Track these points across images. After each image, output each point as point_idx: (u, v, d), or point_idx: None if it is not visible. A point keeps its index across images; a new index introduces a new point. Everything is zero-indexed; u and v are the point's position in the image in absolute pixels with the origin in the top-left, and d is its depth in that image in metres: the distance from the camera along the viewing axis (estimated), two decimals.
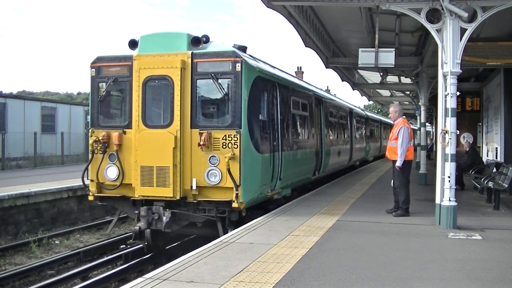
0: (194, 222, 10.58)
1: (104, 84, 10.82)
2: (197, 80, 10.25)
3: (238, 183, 9.74)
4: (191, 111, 10.19)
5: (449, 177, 9.46)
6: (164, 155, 10.00)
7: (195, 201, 10.17)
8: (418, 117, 27.36)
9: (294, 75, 17.64)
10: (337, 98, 24.65)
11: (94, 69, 10.90)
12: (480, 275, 6.47)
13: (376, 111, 65.23)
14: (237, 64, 9.99)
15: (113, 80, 10.69)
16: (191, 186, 10.06)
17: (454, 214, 9.49)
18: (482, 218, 10.71)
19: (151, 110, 10.66)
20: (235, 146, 9.87)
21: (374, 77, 26.41)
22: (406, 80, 24.21)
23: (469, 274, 6.53)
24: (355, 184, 17.97)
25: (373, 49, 11.32)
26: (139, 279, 6.22)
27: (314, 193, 15.09)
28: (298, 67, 42.51)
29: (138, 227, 10.31)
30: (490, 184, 12.91)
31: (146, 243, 10.76)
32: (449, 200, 9.48)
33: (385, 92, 34.59)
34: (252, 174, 10.35)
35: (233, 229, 9.67)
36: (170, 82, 10.21)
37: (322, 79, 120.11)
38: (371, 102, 52.23)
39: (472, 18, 9.68)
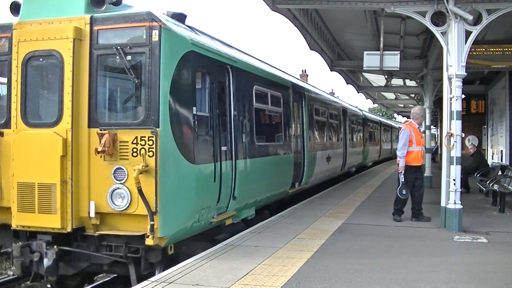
0: (100, 263, 7.57)
1: None
2: (98, 57, 7.34)
3: (154, 209, 6.87)
4: (89, 103, 7.29)
5: (454, 180, 9.44)
6: (49, 167, 7.12)
7: (97, 235, 7.29)
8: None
9: (274, 66, 13.66)
10: (327, 94, 21.12)
11: None
12: (486, 278, 6.46)
13: (381, 114, 65.13)
14: (153, 32, 7.10)
15: None
16: (89, 213, 7.18)
17: (460, 217, 9.48)
18: (488, 221, 10.68)
19: (35, 102, 7.67)
20: (150, 154, 6.93)
21: (379, 80, 26.39)
22: (411, 83, 24.17)
23: (474, 277, 6.51)
24: (360, 187, 17.95)
25: (378, 52, 11.32)
26: (145, 282, 6.25)
27: (319, 196, 15.08)
28: (303, 70, 42.58)
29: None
30: (496, 187, 12.88)
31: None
32: (455, 203, 9.47)
33: (390, 95, 34.57)
34: (179, 195, 7.37)
35: (160, 271, 7.18)
36: (59, 60, 7.28)
37: (327, 82, 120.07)
38: (376, 105, 52.11)
39: (477, 21, 9.68)
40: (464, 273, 6.68)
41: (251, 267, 6.83)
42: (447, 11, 9.40)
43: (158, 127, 7.00)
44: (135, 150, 7.03)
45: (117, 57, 7.17)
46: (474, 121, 24.19)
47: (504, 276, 6.59)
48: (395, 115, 65.06)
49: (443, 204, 9.78)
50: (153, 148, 6.95)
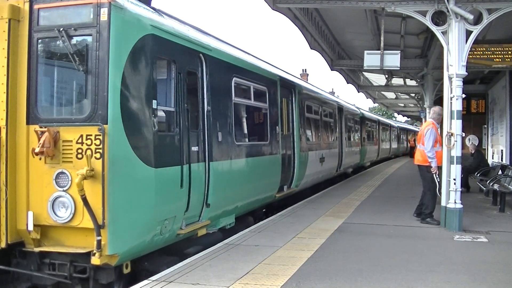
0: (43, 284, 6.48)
1: None
2: (39, 41, 6.34)
3: (101, 222, 5.87)
4: (28, 95, 6.32)
5: (454, 179, 9.44)
6: None
7: (38, 251, 6.26)
8: (423, 119, 27.33)
9: (259, 57, 12.28)
10: (321, 90, 19.56)
11: None
12: (486, 278, 6.46)
13: (381, 114, 65.17)
14: (101, 11, 6.06)
15: None
16: (27, 225, 6.17)
17: (460, 216, 9.47)
18: (488, 221, 10.68)
19: None
20: (97, 156, 5.93)
21: (379, 79, 26.44)
22: (411, 82, 24.23)
23: (474, 276, 6.51)
24: (360, 186, 17.94)
25: (379, 51, 11.32)
26: (145, 281, 6.24)
27: (320, 195, 15.07)
28: (303, 70, 42.65)
29: None
30: (496, 186, 12.88)
31: None
32: (455, 202, 9.46)
33: (390, 95, 34.62)
34: (133, 204, 6.34)
35: None
36: None
37: (327, 81, 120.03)
38: (376, 105, 52.13)
39: (477, 20, 9.68)
40: (464, 273, 6.68)
41: (251, 266, 6.82)
42: (448, 11, 9.40)
43: (107, 124, 5.96)
44: (80, 151, 6.01)
45: (60, 40, 6.13)
46: (474, 120, 24.21)
47: (504, 275, 6.59)
48: (395, 114, 65.11)
49: (443, 203, 9.78)
50: (100, 148, 5.91)
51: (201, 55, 8.15)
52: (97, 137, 5.95)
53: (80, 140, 6.03)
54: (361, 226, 10.01)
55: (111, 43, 6.06)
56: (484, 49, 13.17)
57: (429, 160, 10.01)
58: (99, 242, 5.86)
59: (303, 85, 15.76)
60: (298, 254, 7.52)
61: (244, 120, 10.48)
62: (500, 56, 13.07)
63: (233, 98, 9.42)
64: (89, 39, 6.14)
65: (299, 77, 17.63)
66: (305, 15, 13.80)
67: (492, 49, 13.12)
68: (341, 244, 8.33)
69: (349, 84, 26.27)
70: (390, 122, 44.81)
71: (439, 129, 10.43)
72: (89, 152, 5.95)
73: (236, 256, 7.45)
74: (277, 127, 11.83)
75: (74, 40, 6.21)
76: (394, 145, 45.88)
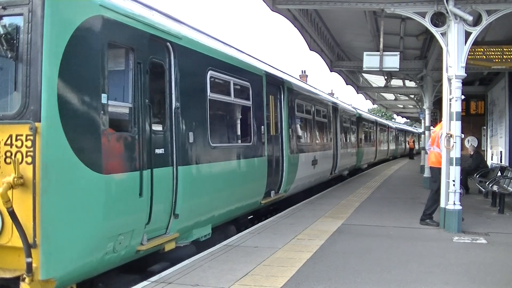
0: None
1: None
2: None
3: (31, 240, 4.92)
4: None
5: (453, 181, 9.45)
6: None
7: None
8: (422, 121, 27.32)
9: (236, 48, 10.93)
10: (314, 88, 18.50)
11: None
12: (485, 279, 6.46)
13: (380, 115, 65.11)
14: None
15: None
16: None
17: (459, 218, 9.48)
18: (487, 222, 10.68)
19: None
20: (28, 160, 4.98)
21: (378, 81, 26.45)
22: (410, 83, 24.25)
23: (474, 278, 6.51)
24: (359, 187, 17.94)
25: (378, 52, 11.33)
26: (145, 282, 6.23)
27: (319, 197, 15.07)
28: (302, 71, 42.62)
29: None
30: (495, 188, 12.87)
31: None
32: (454, 204, 9.47)
33: (390, 96, 34.64)
34: (75, 218, 5.35)
35: None
36: None
37: (326, 82, 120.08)
38: (375, 106, 52.16)
39: (477, 22, 9.69)
40: (463, 274, 6.68)
41: (251, 268, 6.82)
42: (447, 12, 9.41)
43: (40, 121, 4.95)
44: (8, 154, 5.04)
45: None
46: (473, 122, 24.23)
47: (503, 276, 6.59)
48: (395, 115, 65.13)
49: (442, 205, 9.77)
50: (31, 151, 4.93)
51: (168, 44, 7.13)
52: (28, 137, 4.96)
53: (8, 142, 5.05)
54: (360, 227, 10.01)
55: (45, 24, 5.04)
56: (483, 50, 13.19)
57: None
58: (29, 264, 4.87)
59: (294, 82, 14.57)
60: (297, 256, 7.51)
61: (222, 119, 9.66)
62: (499, 57, 13.08)
63: (208, 94, 8.31)
64: (19, 19, 5.13)
65: (294, 76, 16.75)
66: (305, 16, 13.80)
67: (491, 50, 13.14)
68: (340, 245, 8.33)
69: (349, 85, 26.29)
70: (388, 123, 44.46)
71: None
72: (19, 155, 4.97)
73: (235, 257, 7.45)
74: (262, 127, 10.86)
75: (3, 21, 5.24)
76: (392, 146, 45.45)
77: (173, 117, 7.20)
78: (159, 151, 6.85)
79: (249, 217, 11.57)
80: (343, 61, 20.23)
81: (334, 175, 19.52)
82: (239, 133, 10.22)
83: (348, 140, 22.85)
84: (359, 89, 28.36)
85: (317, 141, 16.49)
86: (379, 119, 38.90)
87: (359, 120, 26.54)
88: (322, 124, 17.71)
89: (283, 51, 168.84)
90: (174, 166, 7.16)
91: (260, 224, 10.30)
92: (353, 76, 25.58)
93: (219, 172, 8.77)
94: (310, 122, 15.82)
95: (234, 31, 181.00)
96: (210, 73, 8.49)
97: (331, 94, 35.80)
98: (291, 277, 6.39)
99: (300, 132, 14.54)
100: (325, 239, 8.74)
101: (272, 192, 11.74)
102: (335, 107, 20.19)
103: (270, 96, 11.81)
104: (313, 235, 9.09)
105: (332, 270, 6.80)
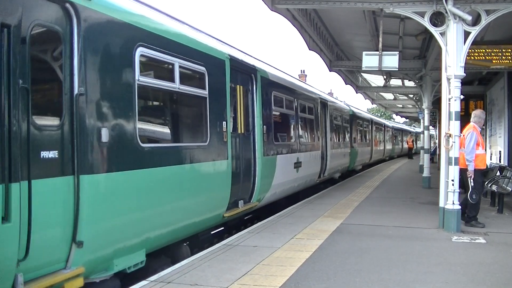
0: None
1: None
2: None
3: None
4: None
5: (452, 180, 9.45)
6: None
7: None
8: (421, 120, 27.35)
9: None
10: (297, 80, 16.81)
11: None
12: (484, 279, 6.46)
13: (379, 114, 65.13)
14: None
15: None
16: None
17: (458, 217, 9.48)
18: (486, 222, 10.66)
19: None
20: None
21: (377, 80, 26.46)
22: (409, 83, 24.25)
23: (473, 277, 6.51)
24: (359, 187, 17.95)
25: (377, 52, 11.32)
26: (144, 282, 6.23)
27: (318, 196, 15.07)
28: (301, 70, 42.65)
29: None
30: (494, 187, 12.87)
31: None
32: (453, 203, 9.47)
33: (389, 95, 34.65)
34: None
35: None
36: None
37: (325, 82, 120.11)
38: (374, 105, 52.15)
39: (476, 21, 9.68)
40: (462, 274, 6.68)
41: (250, 267, 6.82)
42: (446, 12, 9.41)
43: None
44: None
45: None
46: None
47: (502, 276, 6.59)
48: (394, 115, 65.16)
49: (441, 204, 9.78)
50: None
51: (68, 5, 5.31)
52: None
53: None
54: (359, 227, 10.01)
55: None
56: (482, 50, 13.17)
57: (467, 163, 9.97)
58: None
59: (270, 71, 12.28)
60: (296, 255, 7.51)
61: (162, 112, 7.89)
62: (498, 57, 13.07)
63: (136, 78, 6.41)
64: None
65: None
66: (304, 15, 13.80)
67: (490, 50, 13.13)
68: (339, 245, 8.33)
69: (348, 85, 26.28)
70: (384, 122, 43.00)
71: (481, 132, 10.30)
72: None
73: (234, 256, 7.45)
74: (224, 123, 8.94)
75: None
76: (389, 146, 44.18)
77: (75, 107, 5.33)
78: (49, 154, 5.05)
79: (246, 218, 11.06)
80: (342, 60, 20.23)
81: (324, 178, 17.91)
82: (187, 130, 8.30)
83: (340, 140, 21.31)
84: (358, 88, 28.36)
85: (301, 141, 14.60)
86: (374, 118, 37.24)
87: (353, 118, 24.98)
88: (308, 121, 15.85)
89: (282, 51, 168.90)
90: (75, 175, 5.32)
91: (259, 223, 10.29)
92: (352, 76, 25.59)
93: (154, 181, 6.73)
94: (292, 118, 14.01)
95: (233, 31, 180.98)
96: (140, 50, 6.52)
97: (331, 93, 35.72)
98: (290, 277, 6.39)
99: (278, 130, 12.51)
100: (324, 238, 8.74)
101: (241, 202, 9.89)
102: (324, 103, 18.29)
103: (238, 87, 9.97)
104: (312, 234, 9.09)
105: (331, 269, 6.80)
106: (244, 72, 10.32)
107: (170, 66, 7.39)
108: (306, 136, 15.61)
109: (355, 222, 10.49)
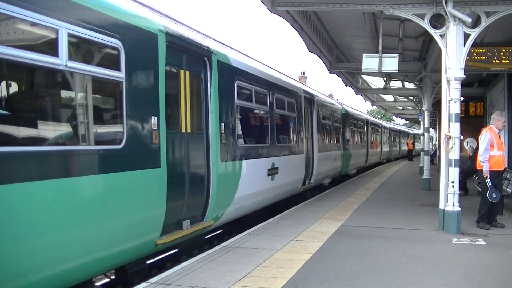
0: None
1: None
2: None
3: None
4: None
5: (452, 182, 9.45)
6: None
7: None
8: (421, 122, 27.35)
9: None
10: (275, 70, 13.82)
11: None
12: (484, 281, 6.46)
13: (379, 116, 65.07)
14: None
15: None
16: None
17: (458, 219, 9.48)
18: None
19: None
20: None
21: (377, 82, 26.46)
22: (409, 85, 24.25)
23: (473, 279, 6.51)
24: (358, 189, 17.95)
25: (377, 54, 11.34)
26: (144, 284, 6.23)
27: (318, 198, 15.07)
28: (301, 72, 42.67)
29: None
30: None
31: None
32: (453, 205, 9.47)
33: (389, 97, 34.63)
34: None
35: None
36: None
37: (325, 84, 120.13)
38: (374, 107, 52.15)
39: (475, 23, 9.70)
40: (462, 275, 6.68)
41: (250, 269, 6.82)
42: (446, 14, 9.42)
43: None
44: None
45: None
46: (472, 123, 24.21)
47: (502, 278, 6.59)
48: (394, 117, 65.17)
49: (441, 206, 9.78)
50: None
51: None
52: None
53: None
54: (359, 228, 10.01)
55: None
56: (482, 52, 13.19)
57: (481, 163, 10.08)
58: None
59: (233, 55, 10.05)
60: (296, 257, 7.51)
61: (34, 99, 5.51)
62: (498, 59, 13.08)
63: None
64: None
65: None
66: (304, 17, 13.81)
67: (490, 52, 13.14)
68: (339, 247, 8.33)
69: (348, 87, 26.25)
70: (381, 123, 40.91)
71: (499, 133, 10.25)
72: None
73: (234, 258, 7.45)
74: (154, 118, 6.79)
75: None
76: (386, 148, 42.24)
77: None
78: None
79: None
80: (342, 62, 20.23)
81: (310, 185, 15.60)
82: (84, 128, 5.81)
83: (330, 141, 19.29)
84: (358, 90, 28.35)
85: (278, 143, 12.30)
86: (370, 118, 34.95)
87: (346, 117, 22.97)
88: (288, 120, 13.70)
89: (282, 53, 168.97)
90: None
91: (259, 225, 10.28)
92: (352, 78, 25.59)
93: (20, 203, 4.72)
94: (265, 116, 11.76)
95: (234, 32, 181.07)
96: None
97: (331, 95, 35.55)
98: (290, 278, 6.39)
99: (245, 130, 10.56)
100: (324, 240, 8.74)
101: (186, 223, 7.77)
102: (310, 99, 15.92)
103: (183, 72, 7.84)
104: (312, 236, 9.09)
105: (331, 271, 6.80)
106: (192, 54, 8.23)
107: (49, 34, 5.21)
108: (286, 137, 13.33)
109: (355, 224, 10.49)
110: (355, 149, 25.07)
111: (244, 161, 9.93)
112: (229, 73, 9.58)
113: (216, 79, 8.79)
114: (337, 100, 24.12)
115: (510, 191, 12.43)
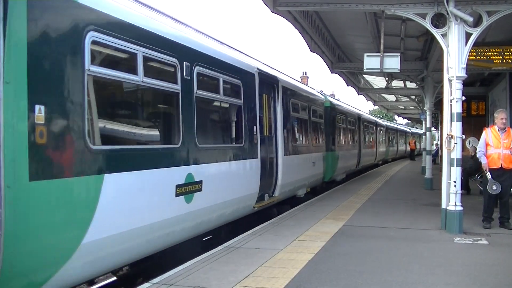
0: None
1: None
2: None
3: None
4: None
5: (454, 181, 9.45)
6: None
7: None
8: (423, 122, 27.32)
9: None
10: (229, 46, 10.53)
11: None
12: (487, 280, 6.46)
13: (381, 116, 64.96)
14: None
15: None
16: None
17: (460, 219, 9.48)
18: None
19: None
20: None
21: (379, 82, 26.46)
22: (411, 84, 24.26)
23: (475, 279, 6.51)
24: (360, 189, 17.94)
25: (379, 54, 11.33)
26: (146, 284, 6.25)
27: (320, 198, 15.07)
28: (303, 72, 42.68)
29: None
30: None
31: None
32: (455, 205, 9.47)
33: (391, 97, 34.63)
34: None
35: None
36: None
37: (327, 84, 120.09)
38: (376, 107, 52.11)
39: (477, 23, 9.69)
40: (465, 275, 6.68)
41: (252, 269, 6.83)
42: (447, 13, 9.42)
43: None
44: None
45: None
46: (474, 123, 24.19)
47: (505, 277, 6.59)
48: (396, 117, 65.15)
49: (443, 206, 9.78)
50: None
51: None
52: None
53: None
54: (361, 228, 10.01)
55: None
56: (484, 51, 13.18)
57: (479, 158, 10.32)
58: None
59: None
60: (298, 257, 7.52)
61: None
62: (500, 58, 13.08)
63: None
64: None
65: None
66: (305, 17, 13.82)
67: (492, 51, 13.14)
68: (341, 246, 8.34)
69: (349, 87, 26.28)
70: (376, 120, 36.19)
71: (500, 131, 10.05)
72: None
73: (237, 258, 7.46)
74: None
75: None
76: (382, 148, 37.90)
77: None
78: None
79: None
80: (343, 62, 20.24)
81: (270, 201, 11.60)
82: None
83: (307, 140, 15.57)
84: (360, 90, 28.36)
85: (197, 144, 7.93)
86: (363, 114, 30.39)
87: (332, 111, 19.12)
88: (221, 111, 9.91)
89: (284, 53, 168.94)
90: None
91: (261, 225, 10.30)
92: (354, 78, 25.60)
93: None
94: (176, 102, 7.54)
95: (235, 32, 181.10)
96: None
97: (332, 95, 35.40)
98: (292, 278, 6.39)
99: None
100: (326, 240, 8.75)
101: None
102: (270, 83, 11.97)
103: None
104: (315, 236, 9.10)
105: (334, 271, 6.80)
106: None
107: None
108: (216, 135, 9.74)
109: (357, 224, 10.50)
110: (343, 149, 21.39)
111: (105, 176, 5.71)
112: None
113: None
114: (320, 91, 20.24)
115: None
